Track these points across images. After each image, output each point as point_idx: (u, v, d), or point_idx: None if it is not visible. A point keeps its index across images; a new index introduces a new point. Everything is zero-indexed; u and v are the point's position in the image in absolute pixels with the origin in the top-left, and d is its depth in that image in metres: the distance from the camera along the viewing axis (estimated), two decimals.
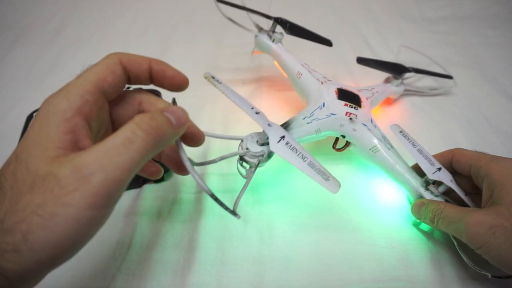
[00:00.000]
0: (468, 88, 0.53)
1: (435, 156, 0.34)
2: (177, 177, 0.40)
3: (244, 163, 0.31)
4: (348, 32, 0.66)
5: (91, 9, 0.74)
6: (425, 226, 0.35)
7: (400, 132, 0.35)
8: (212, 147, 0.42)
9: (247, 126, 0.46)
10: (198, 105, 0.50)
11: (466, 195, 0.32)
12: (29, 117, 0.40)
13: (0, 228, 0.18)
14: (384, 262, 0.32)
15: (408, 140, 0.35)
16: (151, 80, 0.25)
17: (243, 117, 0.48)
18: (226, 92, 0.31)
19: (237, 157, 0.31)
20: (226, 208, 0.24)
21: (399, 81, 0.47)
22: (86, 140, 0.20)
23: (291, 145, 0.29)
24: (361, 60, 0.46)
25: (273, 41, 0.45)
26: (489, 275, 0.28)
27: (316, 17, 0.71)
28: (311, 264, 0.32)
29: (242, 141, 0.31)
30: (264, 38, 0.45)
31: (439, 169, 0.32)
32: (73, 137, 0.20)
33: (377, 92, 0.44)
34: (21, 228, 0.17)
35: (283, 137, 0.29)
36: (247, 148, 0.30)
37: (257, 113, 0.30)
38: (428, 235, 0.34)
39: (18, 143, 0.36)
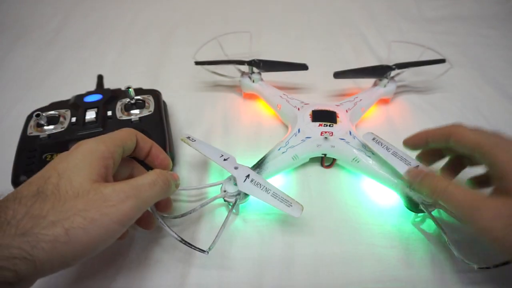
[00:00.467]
0: (468, 88, 0.53)
1: (431, 130, 0.33)
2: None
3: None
4: (348, 32, 0.66)
5: (91, 9, 0.74)
6: (425, 226, 0.35)
7: (373, 139, 0.36)
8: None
9: (245, 127, 0.47)
10: (199, 106, 0.50)
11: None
12: (29, 117, 0.40)
13: (42, 222, 0.22)
14: (384, 262, 0.32)
15: (381, 145, 0.35)
16: (146, 157, 0.32)
17: (242, 117, 0.48)
18: (199, 148, 0.36)
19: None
20: (195, 248, 0.29)
21: (386, 81, 0.47)
22: (110, 177, 0.27)
23: (255, 182, 0.33)
24: (338, 74, 0.47)
25: (253, 81, 0.48)
26: (476, 267, 0.29)
27: (316, 17, 0.71)
28: (311, 264, 0.32)
29: (222, 185, 0.35)
30: (246, 81, 0.49)
31: (417, 167, 0.33)
32: (106, 172, 0.26)
33: (360, 100, 0.45)
34: (64, 224, 0.22)
35: (248, 175, 0.33)
36: (225, 191, 0.34)
37: (225, 159, 0.35)
38: (428, 235, 0.34)
39: (18, 142, 0.36)
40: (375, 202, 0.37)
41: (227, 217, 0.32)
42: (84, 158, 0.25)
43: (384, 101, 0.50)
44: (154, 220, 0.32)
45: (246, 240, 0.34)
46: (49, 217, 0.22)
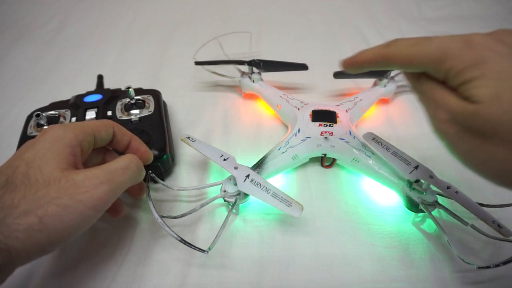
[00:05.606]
0: None
1: (366, 54, 0.25)
2: (177, 177, 0.40)
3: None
4: (348, 32, 0.66)
5: (91, 9, 0.74)
6: (425, 226, 0.35)
7: (373, 139, 0.36)
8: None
9: (245, 127, 0.47)
10: (199, 106, 0.50)
11: (448, 188, 0.32)
12: (29, 117, 0.40)
13: (14, 212, 0.22)
14: (384, 262, 0.32)
15: (381, 145, 0.35)
16: (125, 149, 0.32)
17: (242, 117, 0.48)
18: (199, 148, 0.36)
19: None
20: (195, 248, 0.29)
21: (386, 81, 0.47)
22: (80, 164, 0.27)
23: (255, 181, 0.33)
24: (338, 74, 0.48)
25: (253, 81, 0.48)
26: (475, 266, 0.28)
27: (316, 17, 0.71)
28: (311, 264, 0.32)
29: (222, 185, 0.35)
30: (246, 81, 0.49)
31: (416, 167, 0.33)
32: (74, 160, 0.26)
33: (360, 100, 0.45)
34: (37, 213, 0.22)
35: (248, 175, 0.33)
36: (224, 191, 0.34)
37: (225, 159, 0.35)
38: (428, 234, 0.34)
39: (18, 142, 0.36)
40: (375, 202, 0.37)
41: (227, 217, 0.32)
42: (51, 146, 0.25)
43: (384, 101, 0.50)
44: (123, 208, 0.33)
45: (246, 240, 0.34)
46: (21, 206, 0.22)
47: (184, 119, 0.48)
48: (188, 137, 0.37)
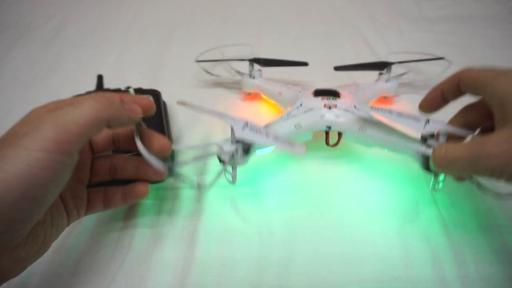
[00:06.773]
0: None
1: (442, 81, 0.32)
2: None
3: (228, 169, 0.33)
4: (348, 32, 0.66)
5: (91, 9, 0.75)
6: (426, 226, 0.35)
7: (371, 108, 0.35)
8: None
9: None
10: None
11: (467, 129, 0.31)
12: None
13: None
14: (384, 262, 0.32)
15: (383, 111, 0.34)
16: None
17: (242, 117, 0.48)
18: (196, 108, 0.35)
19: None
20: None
21: (387, 75, 0.47)
22: None
23: (254, 129, 0.32)
24: (339, 69, 0.48)
25: (253, 78, 0.48)
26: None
27: (316, 17, 0.71)
28: (311, 264, 0.32)
29: (218, 144, 0.34)
30: (246, 79, 0.49)
31: (427, 121, 0.32)
32: None
33: (363, 88, 0.45)
34: None
35: (246, 124, 0.32)
36: (220, 148, 0.33)
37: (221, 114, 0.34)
38: (428, 234, 0.34)
39: None
40: (375, 202, 0.37)
41: (222, 170, 0.32)
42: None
43: (386, 102, 0.50)
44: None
45: (246, 240, 0.34)
46: None
47: (184, 119, 0.48)
48: (184, 102, 0.35)
